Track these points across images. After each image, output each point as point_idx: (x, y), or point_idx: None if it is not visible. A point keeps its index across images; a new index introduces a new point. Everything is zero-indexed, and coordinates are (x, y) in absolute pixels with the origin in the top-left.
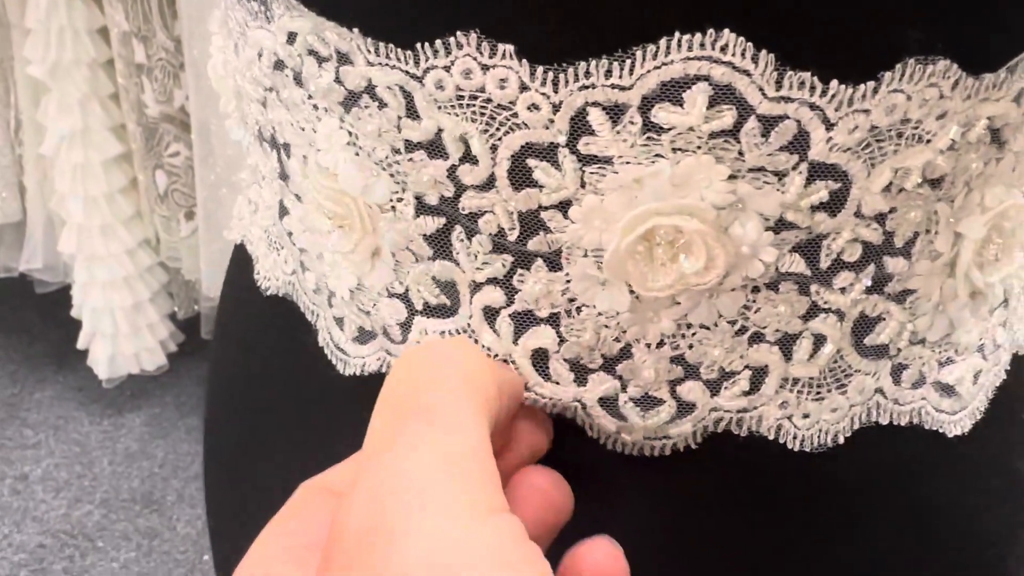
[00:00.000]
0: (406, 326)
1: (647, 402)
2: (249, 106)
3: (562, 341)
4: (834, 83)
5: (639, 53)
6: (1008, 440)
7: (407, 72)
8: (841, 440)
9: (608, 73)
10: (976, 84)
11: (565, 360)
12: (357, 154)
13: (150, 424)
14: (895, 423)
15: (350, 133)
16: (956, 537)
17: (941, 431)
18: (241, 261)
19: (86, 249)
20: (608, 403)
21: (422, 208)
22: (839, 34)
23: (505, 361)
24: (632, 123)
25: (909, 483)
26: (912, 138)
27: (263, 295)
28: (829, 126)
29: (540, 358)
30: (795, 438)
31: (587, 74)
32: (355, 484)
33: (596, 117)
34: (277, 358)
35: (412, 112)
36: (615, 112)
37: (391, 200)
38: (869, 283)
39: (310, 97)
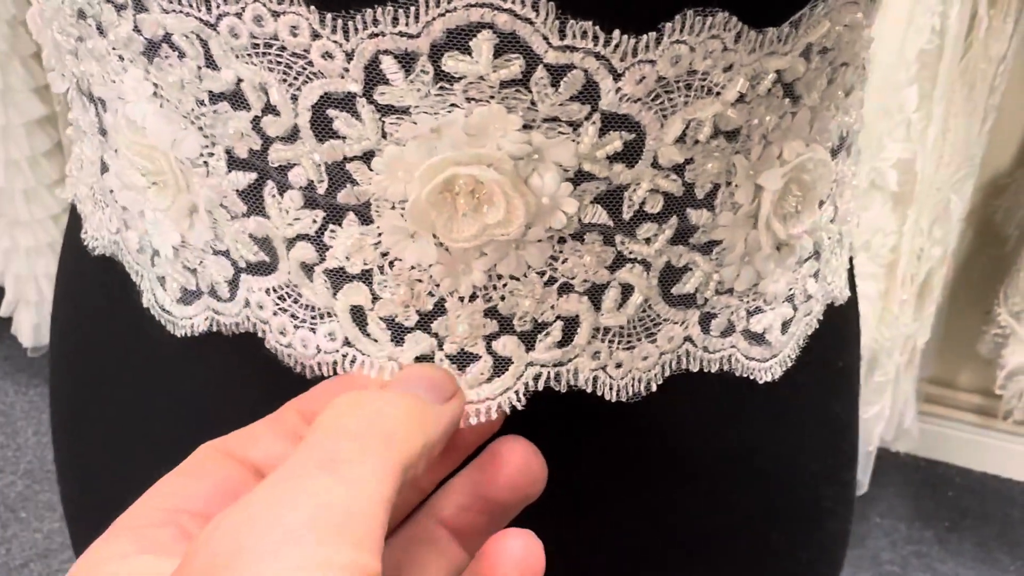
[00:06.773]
0: (234, 284)
1: (463, 359)
2: (64, 57)
3: (376, 299)
4: (616, 33)
5: (422, 0)
6: (824, 385)
7: (201, 20)
8: (654, 387)
9: (395, 20)
10: (759, 37)
11: (381, 319)
12: (163, 107)
13: None
14: (705, 371)
15: (155, 85)
16: (774, 477)
17: (752, 378)
18: (75, 219)
19: (8, 214)
20: (424, 362)
21: (233, 163)
22: None
23: (328, 315)
24: (424, 72)
25: (726, 426)
26: (701, 90)
27: (92, 255)
28: (616, 76)
29: (359, 315)
30: (611, 388)
31: (375, 22)
32: (234, 506)
33: (389, 66)
34: (109, 321)
35: (211, 62)
36: (407, 61)
37: (202, 155)
38: (672, 234)
39: (114, 48)
